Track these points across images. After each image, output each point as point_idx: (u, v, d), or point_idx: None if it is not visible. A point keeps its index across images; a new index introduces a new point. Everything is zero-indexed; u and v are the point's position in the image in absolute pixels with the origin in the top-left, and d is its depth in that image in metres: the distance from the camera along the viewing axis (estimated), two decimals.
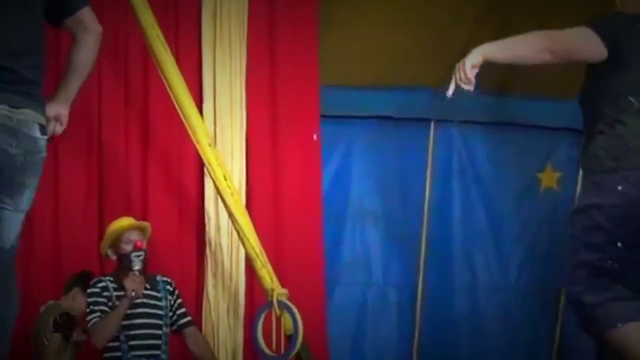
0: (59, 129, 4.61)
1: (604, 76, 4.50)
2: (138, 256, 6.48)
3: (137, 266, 6.46)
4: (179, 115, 6.96)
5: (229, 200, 6.98)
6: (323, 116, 7.99)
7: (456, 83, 4.43)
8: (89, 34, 4.54)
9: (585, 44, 4.46)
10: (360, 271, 8.46)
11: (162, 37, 6.88)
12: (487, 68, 8.28)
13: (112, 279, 6.55)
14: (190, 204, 7.55)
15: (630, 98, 4.43)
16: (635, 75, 4.46)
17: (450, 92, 4.49)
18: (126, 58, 7.49)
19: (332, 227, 8.17)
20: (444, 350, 8.47)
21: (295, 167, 7.82)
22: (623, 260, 4.45)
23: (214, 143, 7.22)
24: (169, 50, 6.92)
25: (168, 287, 6.68)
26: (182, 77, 6.95)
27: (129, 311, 6.43)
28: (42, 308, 6.85)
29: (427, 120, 8.56)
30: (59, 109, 4.54)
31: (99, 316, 6.44)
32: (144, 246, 6.54)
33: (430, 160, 8.59)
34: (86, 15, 4.53)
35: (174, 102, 6.91)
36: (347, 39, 7.99)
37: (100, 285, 6.53)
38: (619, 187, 4.38)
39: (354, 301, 8.39)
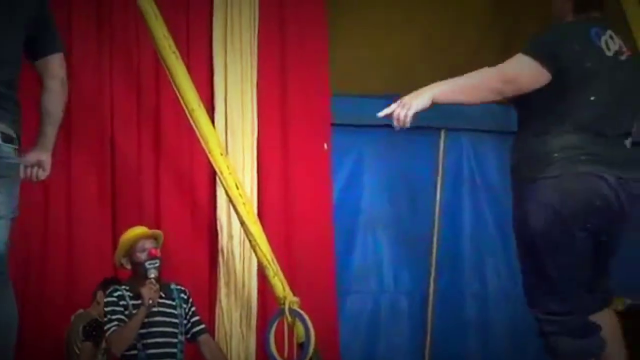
0: (41, 174, 4.60)
1: (547, 93, 4.40)
2: (153, 264, 6.35)
3: (152, 274, 6.34)
4: (190, 124, 6.89)
5: (241, 209, 6.92)
6: (334, 124, 7.94)
7: (395, 117, 4.42)
8: (53, 81, 4.50)
9: (530, 75, 4.38)
10: (372, 278, 8.38)
11: (173, 47, 6.82)
12: None
13: (127, 287, 6.43)
14: (202, 212, 7.50)
15: (566, 118, 4.36)
16: (574, 98, 4.38)
17: (382, 114, 4.48)
18: (138, 66, 7.44)
19: (343, 235, 8.09)
20: (455, 357, 8.37)
21: (306, 175, 7.75)
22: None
23: (225, 152, 7.14)
24: (180, 59, 6.85)
25: (182, 295, 6.57)
26: (194, 86, 6.88)
27: (145, 319, 6.32)
28: (73, 317, 6.81)
29: (438, 129, 8.47)
30: (39, 156, 4.54)
31: (117, 325, 6.33)
32: (159, 254, 6.43)
33: (441, 168, 8.54)
34: (55, 61, 4.51)
35: (186, 111, 6.85)
36: (357, 47, 7.96)
37: (116, 294, 6.41)
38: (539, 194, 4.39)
39: (365, 308, 8.30)
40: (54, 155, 6.96)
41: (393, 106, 4.43)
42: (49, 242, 7.12)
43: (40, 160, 4.56)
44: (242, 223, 6.93)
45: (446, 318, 8.44)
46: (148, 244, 6.44)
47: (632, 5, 7.78)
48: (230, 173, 6.93)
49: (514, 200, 4.57)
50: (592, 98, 4.37)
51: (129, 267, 6.53)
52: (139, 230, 6.60)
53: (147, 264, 6.35)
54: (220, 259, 7.40)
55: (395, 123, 4.42)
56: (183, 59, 6.92)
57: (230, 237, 7.38)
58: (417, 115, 4.39)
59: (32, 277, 7.06)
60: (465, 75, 4.47)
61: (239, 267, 7.36)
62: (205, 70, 7.47)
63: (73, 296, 7.04)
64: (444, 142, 8.55)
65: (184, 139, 7.30)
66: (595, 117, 4.39)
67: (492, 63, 8.21)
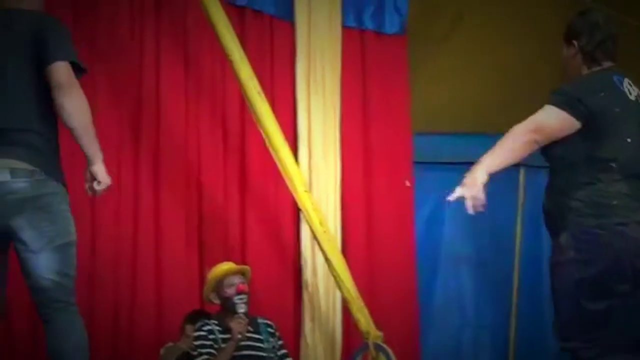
0: (97, 186, 4.62)
1: (576, 141, 4.41)
2: (241, 299, 6.43)
3: (241, 309, 6.41)
4: (275, 162, 6.90)
5: (325, 245, 6.90)
6: (415, 162, 7.92)
7: (469, 205, 4.45)
8: (56, 91, 4.44)
9: (557, 123, 4.40)
10: (454, 313, 8.36)
11: (258, 87, 6.83)
12: None
13: (216, 322, 6.47)
14: (287, 248, 7.49)
15: (612, 164, 4.36)
16: (610, 145, 4.39)
17: (452, 197, 4.48)
18: (224, 107, 7.46)
19: (425, 270, 8.05)
20: None
21: (389, 212, 7.73)
22: (613, 311, 4.35)
23: (309, 189, 7.14)
24: (265, 99, 6.87)
25: (269, 329, 6.60)
26: (278, 126, 6.89)
27: (236, 353, 6.36)
28: (162, 350, 6.81)
29: (517, 166, 8.07)
30: (90, 169, 4.57)
31: (207, 358, 6.37)
32: (246, 289, 6.49)
33: (521, 204, 8.51)
34: (55, 70, 4.45)
35: (271, 150, 6.86)
36: (437, 86, 7.95)
37: (206, 328, 6.45)
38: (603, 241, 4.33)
39: (447, 343, 8.27)
40: (142, 193, 7.19)
41: (460, 190, 4.46)
42: (137, 278, 7.13)
43: (94, 172, 4.57)
44: (326, 259, 6.91)
45: (528, 353, 8.34)
46: (236, 280, 6.50)
47: None
48: (314, 210, 6.92)
49: (559, 245, 4.46)
50: (629, 140, 4.41)
51: (217, 302, 6.56)
52: (227, 266, 6.64)
53: (235, 299, 6.42)
54: (304, 294, 7.39)
55: (471, 211, 4.46)
56: (267, 99, 6.93)
57: (315, 272, 7.36)
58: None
59: (122, 311, 7.08)
60: (500, 141, 4.53)
61: (323, 302, 7.35)
62: (289, 110, 7.49)
63: (162, 330, 7.05)
64: (524, 179, 8.51)
65: (269, 178, 7.31)
66: (635, 161, 4.43)
67: None
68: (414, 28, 7.89)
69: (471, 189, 4.43)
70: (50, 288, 4.50)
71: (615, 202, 4.35)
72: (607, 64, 4.55)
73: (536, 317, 8.40)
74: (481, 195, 4.41)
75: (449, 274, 8.38)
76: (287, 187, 6.98)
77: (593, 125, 4.36)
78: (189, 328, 6.75)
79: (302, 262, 7.41)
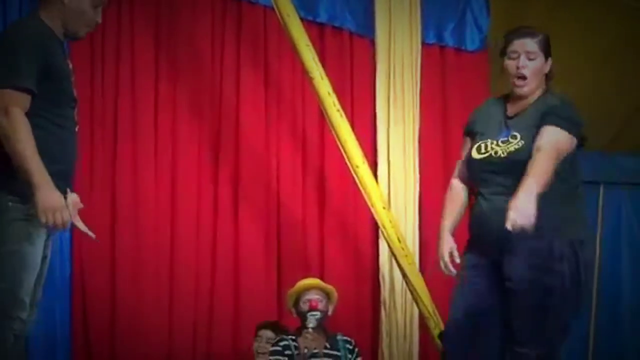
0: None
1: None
2: (314, 315, 6.33)
3: (311, 324, 6.31)
4: (354, 179, 6.70)
5: (403, 261, 6.69)
6: None
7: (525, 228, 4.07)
8: None
9: (568, 145, 4.35)
10: None
11: (337, 104, 6.64)
12: None
13: (293, 337, 6.39)
14: (365, 264, 7.32)
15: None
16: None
17: (510, 227, 4.07)
18: (303, 123, 7.34)
19: None
20: None
21: (467, 229, 7.45)
22: None
23: (388, 206, 6.95)
24: (344, 116, 6.68)
25: (348, 345, 6.45)
26: (358, 143, 6.68)
27: None
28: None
29: (597, 183, 8.34)
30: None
31: None
32: (320, 306, 6.38)
33: (600, 220, 8.37)
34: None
35: (350, 167, 6.66)
36: None
37: (282, 343, 6.37)
38: None
39: None
40: (221, 209, 7.00)
41: (515, 217, 4.05)
42: (215, 293, 7.02)
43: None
44: (404, 275, 6.71)
45: None
46: (311, 295, 6.40)
47: None
48: (392, 226, 6.72)
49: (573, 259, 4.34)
50: None
51: (295, 316, 6.49)
52: (306, 282, 6.58)
53: (307, 314, 6.33)
54: (382, 310, 7.22)
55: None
56: (347, 116, 6.75)
57: (392, 289, 7.19)
58: None
59: (200, 327, 6.97)
60: (536, 167, 4.21)
61: (400, 318, 7.17)
62: (368, 127, 7.34)
63: (238, 346, 6.96)
64: (603, 196, 8.42)
65: (348, 194, 7.17)
66: None
67: None
68: (494, 46, 7.59)
69: (525, 218, 4.05)
70: None
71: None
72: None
73: (615, 329, 8.35)
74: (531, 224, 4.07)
75: None
76: (365, 204, 6.80)
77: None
78: (263, 332, 6.62)
79: (380, 279, 7.25)
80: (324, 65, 6.73)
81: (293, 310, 6.52)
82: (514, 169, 4.29)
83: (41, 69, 4.12)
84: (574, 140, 4.37)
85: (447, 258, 4.55)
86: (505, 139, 4.43)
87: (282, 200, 7.22)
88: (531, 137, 4.33)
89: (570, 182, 4.39)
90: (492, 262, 4.41)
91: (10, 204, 4.09)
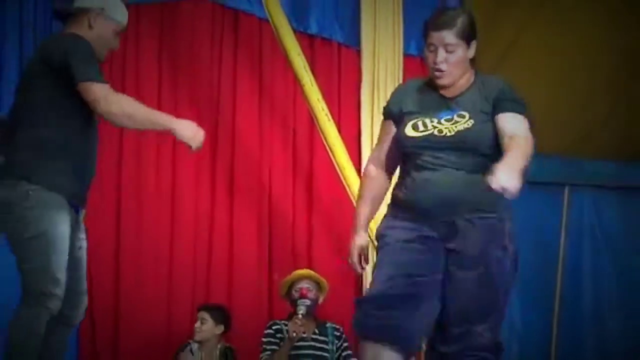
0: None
1: None
2: (303, 302, 6.42)
3: (301, 311, 6.40)
4: (340, 178, 6.77)
5: None
6: None
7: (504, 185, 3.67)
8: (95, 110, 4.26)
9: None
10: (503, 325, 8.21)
11: (326, 109, 6.72)
12: (619, 137, 8.24)
13: (285, 322, 6.49)
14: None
15: None
16: None
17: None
18: (294, 126, 7.41)
19: None
20: None
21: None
22: None
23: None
24: (332, 120, 6.76)
25: (336, 332, 6.56)
26: (344, 144, 6.77)
27: (298, 352, 6.38)
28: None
29: (562, 185, 8.36)
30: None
31: (269, 354, 6.40)
32: (310, 295, 6.47)
33: (565, 220, 8.36)
34: (82, 90, 4.23)
35: (336, 167, 6.74)
36: None
37: (275, 327, 6.49)
38: None
39: None
40: (217, 206, 7.11)
41: (502, 177, 3.64)
42: (211, 282, 7.11)
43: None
44: None
45: (570, 352, 8.27)
46: (302, 284, 6.51)
47: None
48: (374, 222, 6.75)
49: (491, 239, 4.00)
50: None
51: (288, 302, 6.59)
52: (298, 272, 6.67)
53: (298, 302, 6.42)
54: None
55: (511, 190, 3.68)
56: (334, 120, 6.83)
57: None
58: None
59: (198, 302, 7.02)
60: (526, 152, 3.91)
61: None
62: (354, 131, 7.37)
63: (236, 331, 6.92)
64: (568, 197, 8.39)
65: (335, 192, 7.16)
66: None
67: (619, 133, 8.16)
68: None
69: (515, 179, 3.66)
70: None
71: None
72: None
73: (576, 323, 8.34)
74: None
75: None
76: (351, 202, 6.73)
77: None
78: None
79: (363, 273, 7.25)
80: (314, 73, 6.79)
81: (286, 297, 6.60)
82: (462, 146, 4.00)
83: None
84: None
85: (356, 259, 4.24)
86: (450, 117, 4.05)
87: (274, 197, 7.26)
88: (480, 118, 4.03)
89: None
90: (432, 230, 4.01)
91: (30, 192, 4.21)
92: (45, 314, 4.18)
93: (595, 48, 7.91)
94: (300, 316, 6.39)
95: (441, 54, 4.03)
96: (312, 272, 6.69)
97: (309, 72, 6.73)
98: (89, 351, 6.82)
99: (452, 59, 4.05)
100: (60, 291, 4.21)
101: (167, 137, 6.93)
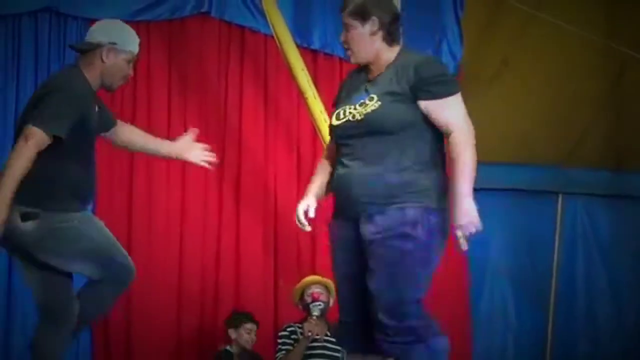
0: None
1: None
2: (316, 305, 6.60)
3: (315, 313, 6.58)
4: None
5: None
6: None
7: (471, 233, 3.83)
8: None
9: (443, 107, 3.90)
10: (500, 321, 8.35)
11: (329, 121, 6.63)
12: (608, 146, 8.34)
13: (299, 325, 6.64)
14: None
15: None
16: None
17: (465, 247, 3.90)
18: (298, 135, 7.46)
19: (475, 284, 8.04)
20: None
21: None
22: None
23: None
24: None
25: None
26: None
27: (312, 352, 6.56)
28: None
29: (556, 193, 8.50)
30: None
31: (284, 354, 6.55)
32: (322, 298, 6.62)
33: (558, 227, 8.48)
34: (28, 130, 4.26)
35: None
36: (487, 121, 7.89)
37: (289, 329, 6.68)
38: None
39: (494, 346, 8.27)
40: (225, 214, 7.19)
41: (463, 232, 3.83)
42: (220, 287, 7.15)
43: None
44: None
45: (562, 355, 8.39)
46: (314, 289, 6.68)
47: None
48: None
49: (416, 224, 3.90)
50: None
51: (300, 308, 6.73)
52: (309, 278, 6.80)
53: (311, 305, 6.59)
54: None
55: (465, 246, 3.90)
56: None
57: None
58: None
59: (207, 310, 7.13)
60: (469, 165, 3.84)
61: None
62: None
63: None
64: (561, 205, 8.52)
65: None
66: None
67: (603, 142, 8.26)
68: (466, 71, 7.83)
69: (472, 229, 3.84)
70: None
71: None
72: (400, 44, 4.07)
73: (570, 324, 8.48)
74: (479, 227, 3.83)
75: (494, 286, 8.35)
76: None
77: None
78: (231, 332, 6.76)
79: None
80: (316, 87, 6.79)
81: (299, 303, 6.74)
82: (372, 130, 3.91)
83: (77, 120, 4.32)
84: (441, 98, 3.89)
85: (302, 217, 4.25)
86: (363, 101, 3.96)
87: (279, 205, 7.28)
88: (388, 99, 3.93)
89: (430, 148, 3.94)
90: (354, 227, 4.01)
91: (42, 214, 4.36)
92: (67, 329, 4.40)
93: (583, 60, 8.03)
94: (315, 318, 6.57)
95: (343, 34, 4.07)
96: (321, 278, 6.78)
97: (312, 86, 6.77)
98: (102, 357, 6.89)
99: (350, 37, 4.02)
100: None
101: None
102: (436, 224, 3.92)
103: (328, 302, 6.65)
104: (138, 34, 6.86)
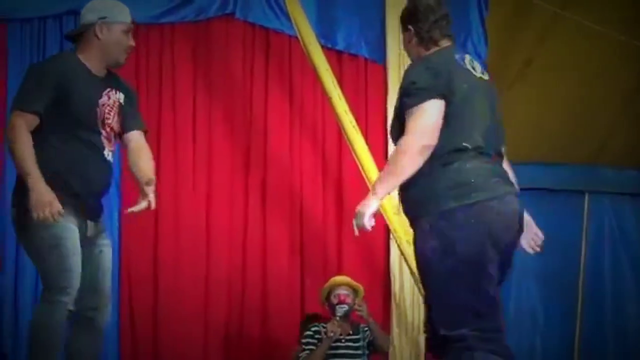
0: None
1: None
2: (342, 307, 6.59)
3: (339, 314, 6.57)
4: (368, 187, 6.52)
5: (411, 262, 6.53)
6: None
7: (356, 227, 3.87)
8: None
9: (440, 114, 3.86)
10: (528, 321, 8.25)
11: (353, 121, 6.71)
12: (635, 144, 8.26)
13: (324, 324, 6.61)
14: (377, 264, 7.36)
15: (465, 144, 3.86)
16: (464, 123, 3.88)
17: (357, 232, 3.91)
18: (324, 138, 7.41)
19: (503, 285, 7.85)
20: None
21: None
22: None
23: (398, 211, 6.74)
24: (359, 132, 6.74)
25: (364, 329, 6.70)
26: (371, 155, 6.75)
27: (335, 351, 6.55)
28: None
29: (583, 192, 8.41)
30: None
31: (307, 353, 6.54)
32: (348, 300, 6.61)
33: (585, 226, 8.40)
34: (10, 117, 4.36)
35: (365, 177, 6.70)
36: (512, 120, 7.86)
37: (313, 329, 6.64)
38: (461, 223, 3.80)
39: (523, 345, 8.12)
40: (251, 215, 7.12)
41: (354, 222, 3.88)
42: (246, 290, 7.13)
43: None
44: (412, 274, 6.74)
45: (590, 355, 8.31)
46: (340, 290, 6.65)
47: None
48: (402, 230, 6.67)
49: (426, 234, 3.89)
50: (479, 117, 3.93)
51: (327, 308, 6.71)
52: (337, 279, 6.79)
53: (337, 307, 6.58)
54: (393, 304, 7.26)
55: (357, 232, 3.91)
56: (362, 132, 6.81)
57: (402, 285, 7.23)
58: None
59: (234, 317, 7.11)
60: (394, 164, 3.87)
61: (409, 311, 7.22)
62: (381, 142, 7.35)
63: (267, 336, 7.11)
64: (588, 204, 8.43)
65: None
66: (487, 139, 3.93)
67: (630, 140, 8.19)
68: (490, 70, 7.77)
69: (358, 219, 3.86)
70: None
71: (473, 180, 3.84)
72: (445, 43, 4.07)
73: (598, 324, 8.38)
74: (366, 225, 3.85)
75: (521, 286, 8.20)
76: (378, 210, 6.83)
77: (448, 103, 3.86)
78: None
79: (391, 277, 7.29)
80: (341, 87, 6.79)
81: (325, 302, 6.71)
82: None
83: (54, 95, 4.32)
84: (434, 103, 3.84)
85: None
86: None
87: (305, 206, 7.27)
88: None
89: (438, 154, 3.86)
90: None
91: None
92: (60, 308, 4.28)
93: (609, 59, 7.92)
94: (338, 319, 6.56)
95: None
96: (349, 279, 6.76)
97: (337, 87, 6.74)
98: None
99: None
100: (71, 287, 4.31)
101: (203, 152, 7.08)
102: (445, 228, 3.84)
103: (353, 304, 6.64)
104: (162, 36, 7.05)
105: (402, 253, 6.89)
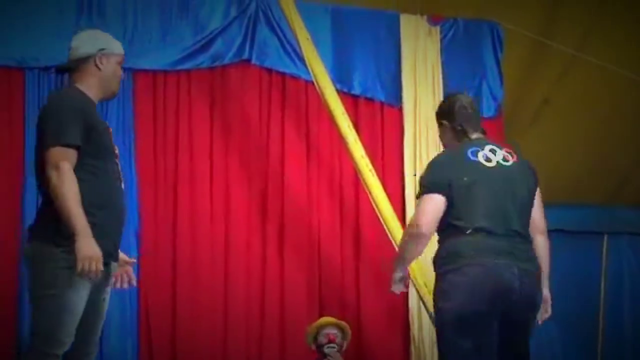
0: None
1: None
2: (330, 347, 6.50)
3: (329, 353, 6.49)
4: (385, 230, 6.66)
5: (429, 304, 6.48)
6: None
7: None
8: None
9: (437, 205, 4.38)
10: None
11: (370, 165, 6.63)
12: None
13: None
14: (396, 305, 7.23)
15: (461, 224, 4.37)
16: (465, 208, 4.38)
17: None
18: (340, 180, 7.34)
19: None
20: None
21: None
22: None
23: None
24: (375, 175, 6.66)
25: None
26: (388, 198, 6.66)
27: None
28: None
29: (601, 233, 8.33)
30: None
31: None
32: (337, 340, 6.51)
33: (604, 267, 8.30)
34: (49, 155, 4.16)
35: (381, 219, 6.61)
36: (533, 161, 7.80)
37: None
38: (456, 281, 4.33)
39: None
40: (268, 256, 6.98)
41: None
42: (265, 332, 7.03)
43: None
44: (430, 316, 6.58)
45: None
46: (329, 330, 6.52)
47: None
48: (420, 273, 6.62)
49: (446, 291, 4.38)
50: (477, 201, 4.37)
51: (313, 348, 6.58)
52: (324, 319, 6.65)
53: (325, 347, 6.48)
54: (412, 346, 7.16)
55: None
56: (378, 175, 6.74)
57: (421, 327, 7.15)
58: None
59: (251, 351, 7.00)
60: (402, 250, 4.64)
61: (428, 352, 7.11)
62: (398, 185, 7.31)
63: None
64: (606, 245, 8.35)
65: (380, 243, 7.03)
66: (490, 219, 4.36)
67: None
68: (506, 111, 7.70)
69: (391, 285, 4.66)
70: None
71: (462, 251, 4.32)
72: (475, 135, 4.56)
73: None
74: (397, 290, 4.71)
75: (541, 327, 8.14)
76: (397, 253, 6.78)
77: (449, 194, 4.36)
78: None
79: (410, 319, 7.20)
80: (358, 131, 6.76)
81: (313, 344, 6.58)
82: None
83: (84, 127, 4.21)
84: (430, 197, 4.39)
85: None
86: None
87: (323, 248, 7.18)
88: None
89: (444, 229, 4.43)
90: None
91: (58, 254, 4.14)
92: None
93: (626, 100, 7.88)
94: (331, 357, 6.47)
95: None
96: (336, 320, 6.65)
97: (353, 130, 6.69)
98: None
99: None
100: (61, 352, 4.19)
101: (220, 197, 7.02)
102: (437, 286, 4.44)
103: (342, 345, 6.54)
104: (179, 82, 7.00)
105: (419, 295, 6.80)
